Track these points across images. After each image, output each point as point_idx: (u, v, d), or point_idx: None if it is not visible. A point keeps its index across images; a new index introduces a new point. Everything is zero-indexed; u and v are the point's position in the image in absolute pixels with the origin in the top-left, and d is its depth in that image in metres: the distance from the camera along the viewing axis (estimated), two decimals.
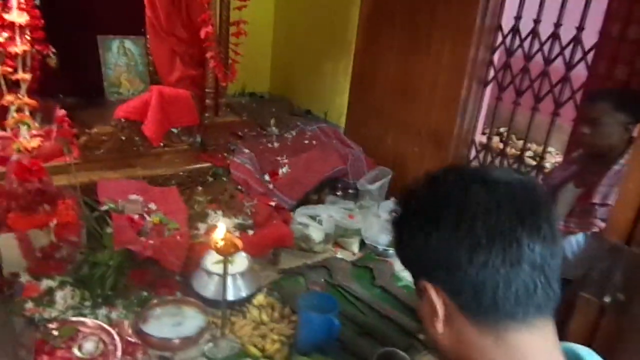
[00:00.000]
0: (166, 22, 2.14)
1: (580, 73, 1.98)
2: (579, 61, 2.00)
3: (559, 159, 3.10)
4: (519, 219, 0.66)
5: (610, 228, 1.07)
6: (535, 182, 0.78)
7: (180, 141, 2.25)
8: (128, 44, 2.76)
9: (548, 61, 2.09)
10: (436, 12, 2.36)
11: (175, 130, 2.22)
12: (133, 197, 1.89)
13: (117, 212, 1.78)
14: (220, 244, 1.46)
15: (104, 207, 1.78)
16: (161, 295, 1.75)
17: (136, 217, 1.79)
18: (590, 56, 1.93)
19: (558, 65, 2.06)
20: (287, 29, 3.40)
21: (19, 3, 2.00)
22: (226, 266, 1.50)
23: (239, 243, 1.49)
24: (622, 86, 1.72)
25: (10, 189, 1.61)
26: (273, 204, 2.15)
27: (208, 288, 1.75)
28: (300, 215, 2.22)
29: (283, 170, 2.40)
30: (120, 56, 2.76)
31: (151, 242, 1.70)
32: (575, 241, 1.54)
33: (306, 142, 2.67)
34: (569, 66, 2.03)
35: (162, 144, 2.17)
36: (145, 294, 1.73)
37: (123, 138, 2.08)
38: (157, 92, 2.08)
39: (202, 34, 2.07)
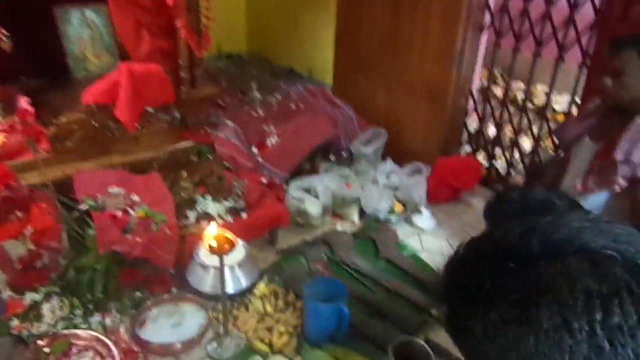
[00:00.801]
0: None
1: (586, 13, 1.82)
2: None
3: (559, 98, 2.95)
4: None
5: None
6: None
7: (158, 120, 2.07)
8: (89, 14, 2.52)
9: (549, 1, 1.92)
10: None
11: (151, 109, 2.03)
12: (113, 190, 1.74)
13: (98, 210, 1.64)
14: (213, 243, 1.33)
15: (83, 206, 1.63)
16: (156, 293, 1.64)
17: (119, 212, 1.65)
18: None
19: (561, 5, 1.89)
20: None
21: None
22: (222, 261, 1.38)
23: (234, 238, 1.37)
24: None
25: None
26: (264, 180, 2.02)
27: (205, 282, 1.64)
28: (295, 189, 2.09)
29: (271, 141, 2.25)
30: (82, 29, 2.52)
31: (138, 239, 1.57)
32: (596, 202, 1.43)
33: (293, 106, 2.50)
34: (573, 6, 1.86)
35: (138, 126, 1.99)
36: (139, 294, 1.63)
37: (95, 124, 1.90)
38: (126, 70, 1.88)
39: (169, 1, 1.85)
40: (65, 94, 2.35)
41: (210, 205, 1.81)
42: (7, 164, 1.68)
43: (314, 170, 2.29)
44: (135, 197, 1.75)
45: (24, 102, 1.89)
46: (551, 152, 2.19)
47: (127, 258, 1.58)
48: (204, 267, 1.64)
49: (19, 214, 1.52)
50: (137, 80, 1.91)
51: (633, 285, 0.47)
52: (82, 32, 2.52)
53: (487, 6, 2.12)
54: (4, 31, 1.92)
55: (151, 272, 1.65)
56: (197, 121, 2.16)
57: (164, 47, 2.03)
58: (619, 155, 1.40)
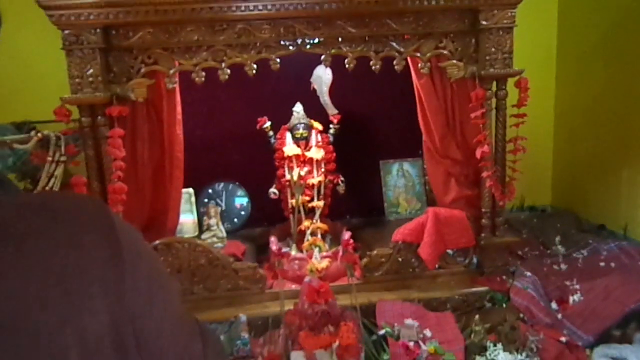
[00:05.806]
0: (441, 144, 2.19)
1: None
2: None
3: None
4: None
5: None
6: None
7: (456, 263, 2.18)
8: (406, 166, 2.93)
9: None
10: None
11: (450, 252, 2.17)
12: (409, 322, 1.87)
13: (394, 338, 1.77)
14: None
15: (381, 332, 1.79)
16: None
17: (411, 344, 1.75)
18: None
19: None
20: (570, 135, 3.13)
21: (317, 142, 2.33)
22: None
23: None
24: None
25: (302, 309, 1.77)
26: (564, 339, 1.86)
27: None
28: (600, 357, 1.85)
29: (574, 298, 2.08)
30: (399, 178, 2.93)
31: None
32: None
33: (602, 264, 2.30)
34: None
35: (437, 266, 2.14)
36: None
37: (400, 260, 2.12)
38: (432, 213, 2.09)
39: (478, 154, 2.04)
40: (378, 231, 2.71)
41: (501, 355, 1.76)
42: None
43: (626, 340, 1.99)
44: (428, 333, 1.84)
45: (347, 235, 2.26)
46: None
47: None
48: None
49: (331, 328, 1.76)
50: (441, 223, 2.09)
51: None
52: (398, 181, 2.93)
53: None
54: (342, 178, 2.39)
55: None
56: (494, 268, 2.18)
57: (469, 195, 2.19)
58: None
